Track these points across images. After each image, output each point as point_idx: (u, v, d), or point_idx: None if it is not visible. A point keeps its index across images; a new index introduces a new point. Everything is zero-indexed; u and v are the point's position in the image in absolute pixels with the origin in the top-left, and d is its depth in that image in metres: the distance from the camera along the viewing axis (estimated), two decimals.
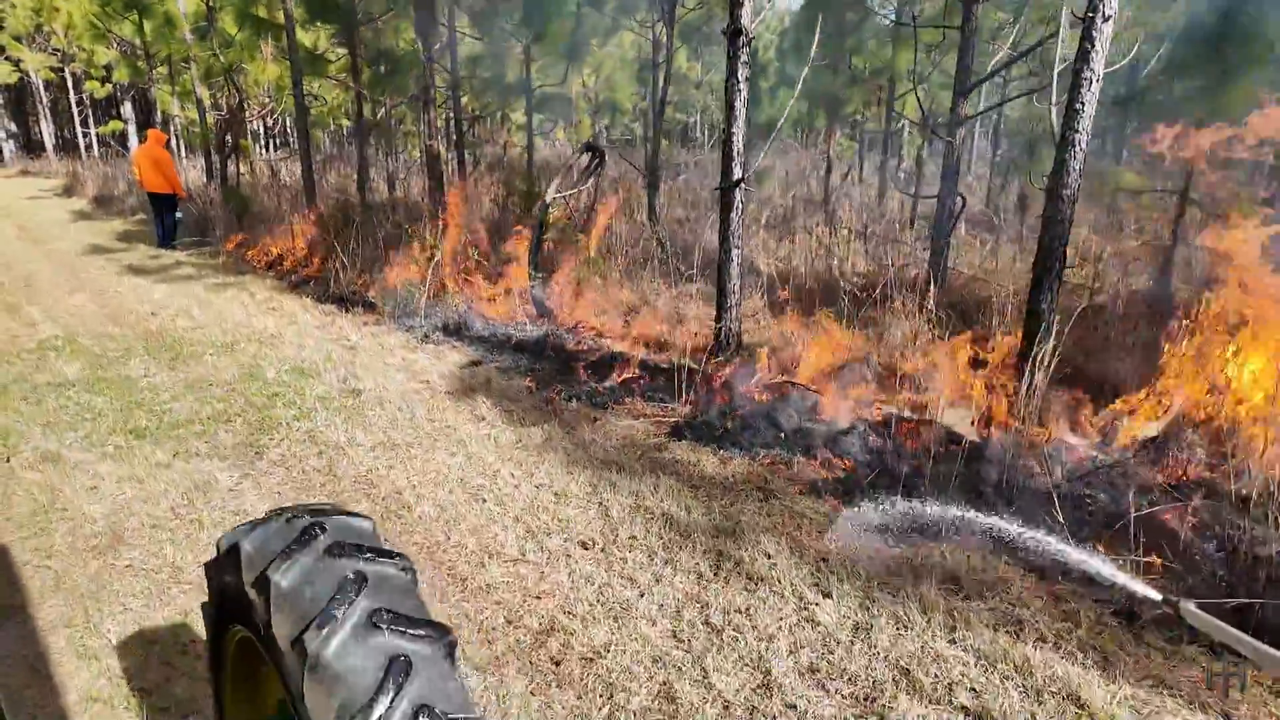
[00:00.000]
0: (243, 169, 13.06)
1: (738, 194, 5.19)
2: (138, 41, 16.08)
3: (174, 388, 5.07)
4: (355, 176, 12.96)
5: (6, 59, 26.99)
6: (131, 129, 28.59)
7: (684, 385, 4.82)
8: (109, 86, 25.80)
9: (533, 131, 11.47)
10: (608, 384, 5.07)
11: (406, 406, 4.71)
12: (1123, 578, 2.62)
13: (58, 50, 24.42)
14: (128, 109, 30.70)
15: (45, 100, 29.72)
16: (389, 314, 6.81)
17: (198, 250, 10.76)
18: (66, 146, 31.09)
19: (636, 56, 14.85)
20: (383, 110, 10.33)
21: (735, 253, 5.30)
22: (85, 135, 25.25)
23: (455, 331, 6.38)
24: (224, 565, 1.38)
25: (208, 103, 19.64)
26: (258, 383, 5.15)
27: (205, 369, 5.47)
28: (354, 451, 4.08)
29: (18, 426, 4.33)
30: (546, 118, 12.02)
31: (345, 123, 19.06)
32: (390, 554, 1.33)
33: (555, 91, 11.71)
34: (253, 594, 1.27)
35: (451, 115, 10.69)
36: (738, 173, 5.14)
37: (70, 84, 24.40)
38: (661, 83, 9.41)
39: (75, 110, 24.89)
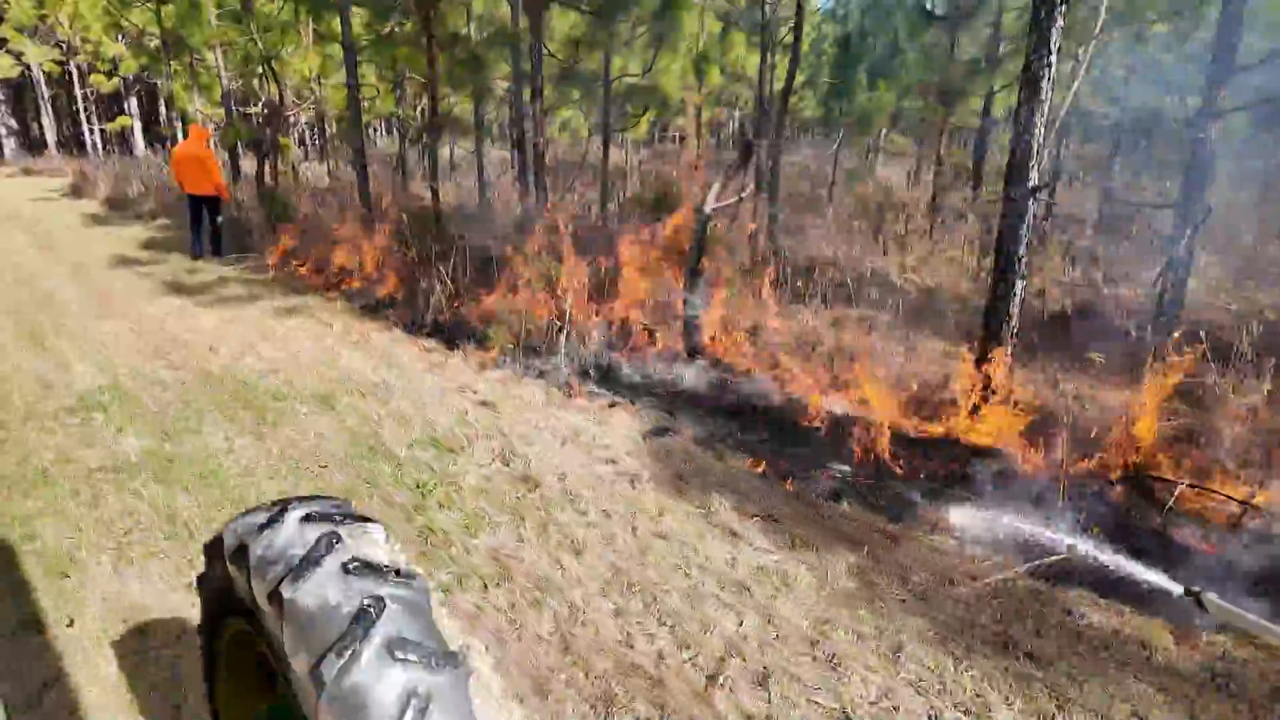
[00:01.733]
0: (282, 169, 11.70)
1: (1031, 204, 3.86)
2: (154, 30, 14.71)
3: (274, 470, 3.72)
4: (398, 179, 11.67)
5: (7, 52, 25.56)
6: (137, 125, 27.21)
7: (975, 471, 3.49)
8: (116, 80, 24.41)
9: (609, 129, 10.14)
10: (858, 467, 3.74)
11: (611, 508, 3.37)
12: (1141, 570, 2.34)
13: (63, 42, 23.01)
14: (133, 105, 29.32)
15: (46, 95, 28.29)
16: (509, 354, 5.46)
17: (239, 263, 9.39)
18: (68, 144, 29.66)
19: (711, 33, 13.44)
20: (451, 104, 8.97)
21: (1020, 283, 3.97)
22: (91, 132, 23.82)
23: (603, 377, 5.04)
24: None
25: (237, 96, 18.29)
26: (385, 462, 3.81)
27: (305, 437, 4.12)
28: (581, 598, 2.74)
29: (74, 551, 2.98)
30: (632, 112, 10.66)
31: (382, 117, 17.68)
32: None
33: (636, 82, 10.37)
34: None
35: (524, 110, 9.35)
36: (1034, 177, 3.81)
37: (76, 78, 22.95)
38: (787, 64, 8.06)
39: (81, 106, 23.46)
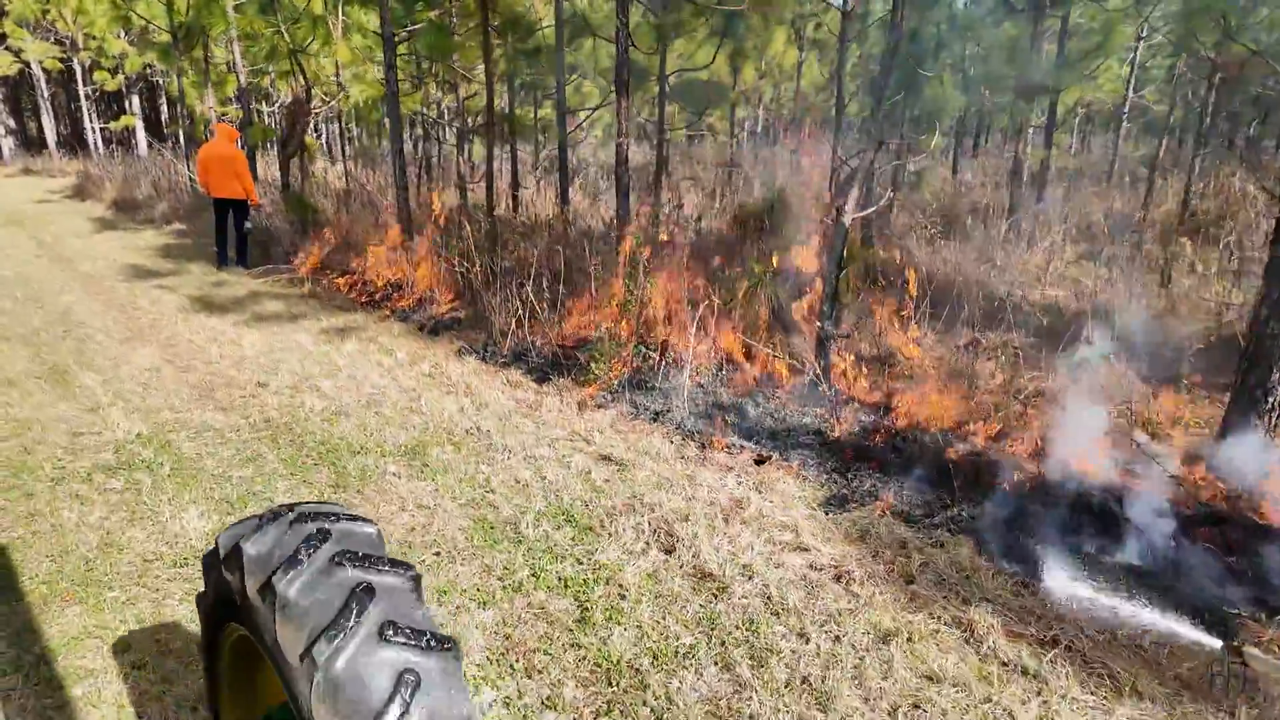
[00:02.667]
0: (311, 171, 10.89)
1: None
2: (161, 24, 13.91)
3: None
4: (433, 183, 10.92)
5: (6, 49, 24.71)
6: (139, 124, 26.36)
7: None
8: (120, 78, 23.57)
9: (664, 128, 9.34)
10: (1161, 569, 2.95)
11: (836, 628, 2.57)
12: (1184, 628, 2.41)
13: (65, 38, 22.17)
14: (134, 103, 28.49)
15: (46, 93, 27.45)
16: (613, 390, 4.68)
17: (268, 275, 8.59)
18: (67, 143, 28.82)
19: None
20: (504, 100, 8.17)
21: None
22: (94, 131, 22.98)
23: (737, 423, 4.26)
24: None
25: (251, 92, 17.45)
26: (512, 547, 3.03)
27: (401, 508, 3.34)
28: None
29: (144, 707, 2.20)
30: (689, 111, 9.85)
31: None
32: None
33: (694, 77, 9.58)
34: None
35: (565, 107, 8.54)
36: None
37: (80, 75, 22.12)
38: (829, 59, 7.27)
39: (85, 104, 22.63)
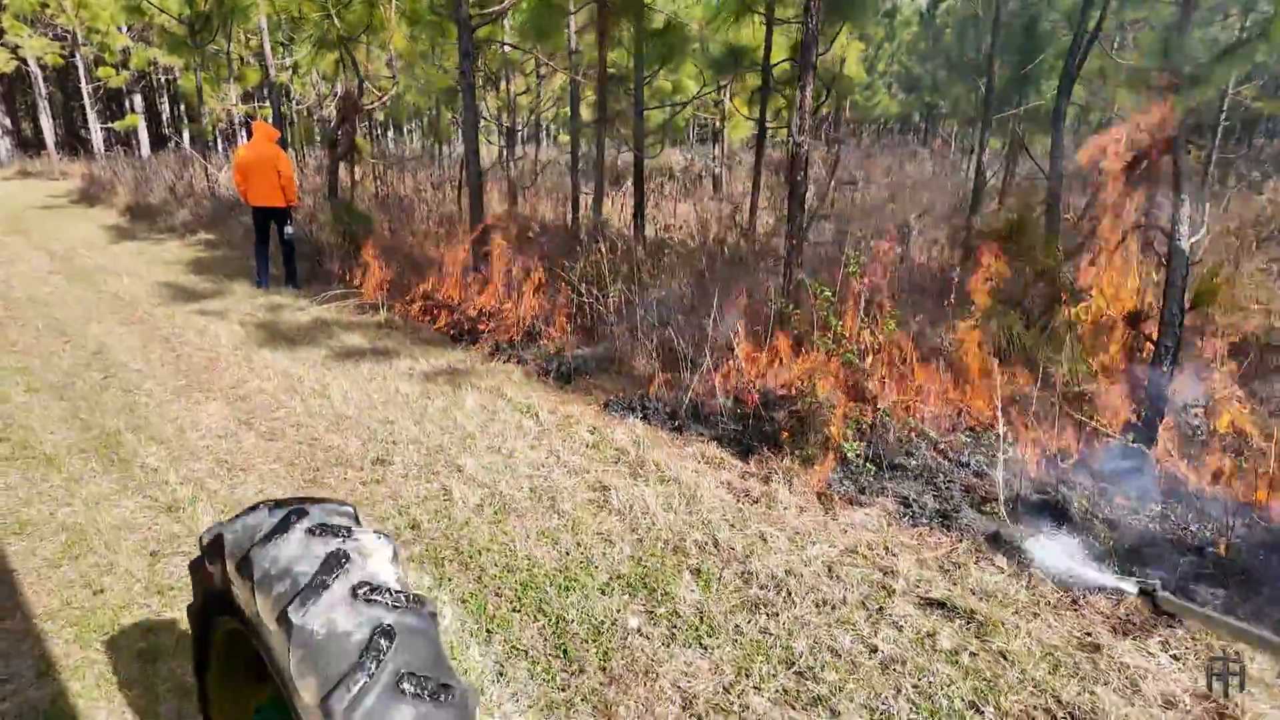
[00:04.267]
0: (359, 175, 9.69)
1: None
2: (179, 13, 12.69)
3: None
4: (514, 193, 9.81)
5: (3, 45, 23.42)
6: (142, 124, 25.09)
7: None
8: (125, 74, 22.31)
9: (839, 124, 8.19)
10: None
11: None
12: (1102, 576, 2.60)
13: (67, 32, 20.88)
14: (137, 102, 27.23)
15: (44, 92, 26.15)
16: (853, 472, 3.51)
17: (322, 297, 7.39)
18: (64, 144, 27.51)
19: None
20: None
21: None
22: (97, 131, 21.69)
23: (1053, 517, 3.10)
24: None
25: (297, 89, 16.17)
26: None
27: (656, 699, 2.18)
28: None
29: None
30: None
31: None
32: None
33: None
34: None
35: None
36: None
37: (81, 72, 20.85)
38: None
39: (87, 102, 21.35)
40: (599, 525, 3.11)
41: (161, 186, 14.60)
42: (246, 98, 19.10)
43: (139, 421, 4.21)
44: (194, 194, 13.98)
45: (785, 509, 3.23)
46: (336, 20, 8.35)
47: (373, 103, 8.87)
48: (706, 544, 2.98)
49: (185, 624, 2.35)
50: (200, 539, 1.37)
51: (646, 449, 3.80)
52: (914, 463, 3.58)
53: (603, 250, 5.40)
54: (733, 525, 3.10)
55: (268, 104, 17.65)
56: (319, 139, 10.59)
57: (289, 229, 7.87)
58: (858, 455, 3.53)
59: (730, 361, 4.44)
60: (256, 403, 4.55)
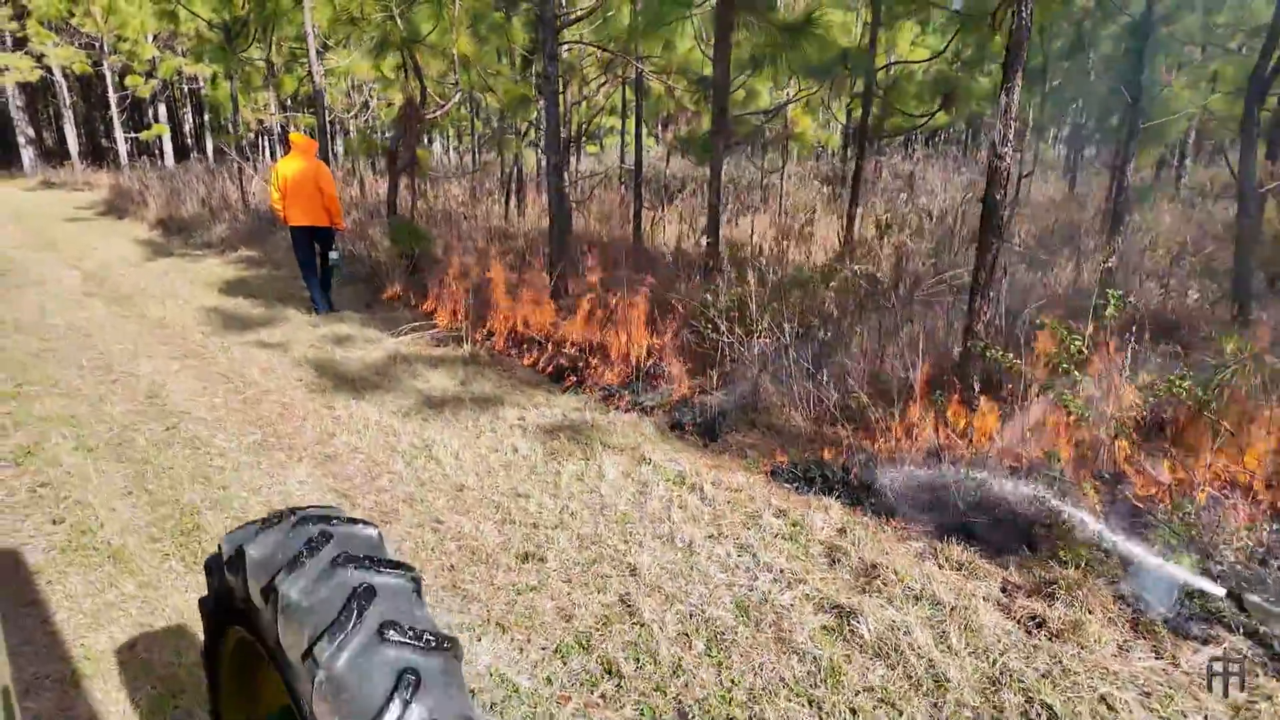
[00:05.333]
0: (424, 190, 8.98)
1: None
2: (217, 18, 12.09)
3: None
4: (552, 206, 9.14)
5: (27, 53, 23.05)
6: (166, 134, 24.67)
7: None
8: (153, 83, 21.85)
9: (867, 127, 7.39)
10: None
11: None
12: (1183, 573, 2.54)
13: (95, 40, 20.43)
14: (161, 112, 26.83)
15: (68, 101, 25.80)
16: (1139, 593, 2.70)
17: (386, 323, 6.65)
18: (88, 154, 27.13)
19: None
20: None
21: None
22: (124, 141, 21.21)
23: None
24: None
25: (339, 100, 15.54)
26: None
27: None
28: None
29: None
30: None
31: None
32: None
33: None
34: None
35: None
36: None
37: (109, 81, 20.39)
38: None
39: (114, 112, 20.89)
40: (862, 674, 2.32)
41: (193, 199, 14.00)
42: (284, 107, 18.54)
43: (216, 493, 3.46)
44: (229, 207, 13.37)
45: (1100, 645, 2.43)
46: (400, 22, 7.67)
47: (434, 111, 8.17)
48: (1035, 713, 2.17)
49: None
50: (219, 546, 1.33)
51: (863, 545, 3.01)
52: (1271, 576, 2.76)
53: (748, 281, 4.62)
54: (1046, 675, 2.30)
55: (303, 114, 17.08)
56: (378, 150, 9.91)
57: (334, 254, 7.15)
58: (1190, 563, 2.72)
59: (922, 419, 3.65)
60: (351, 466, 3.80)
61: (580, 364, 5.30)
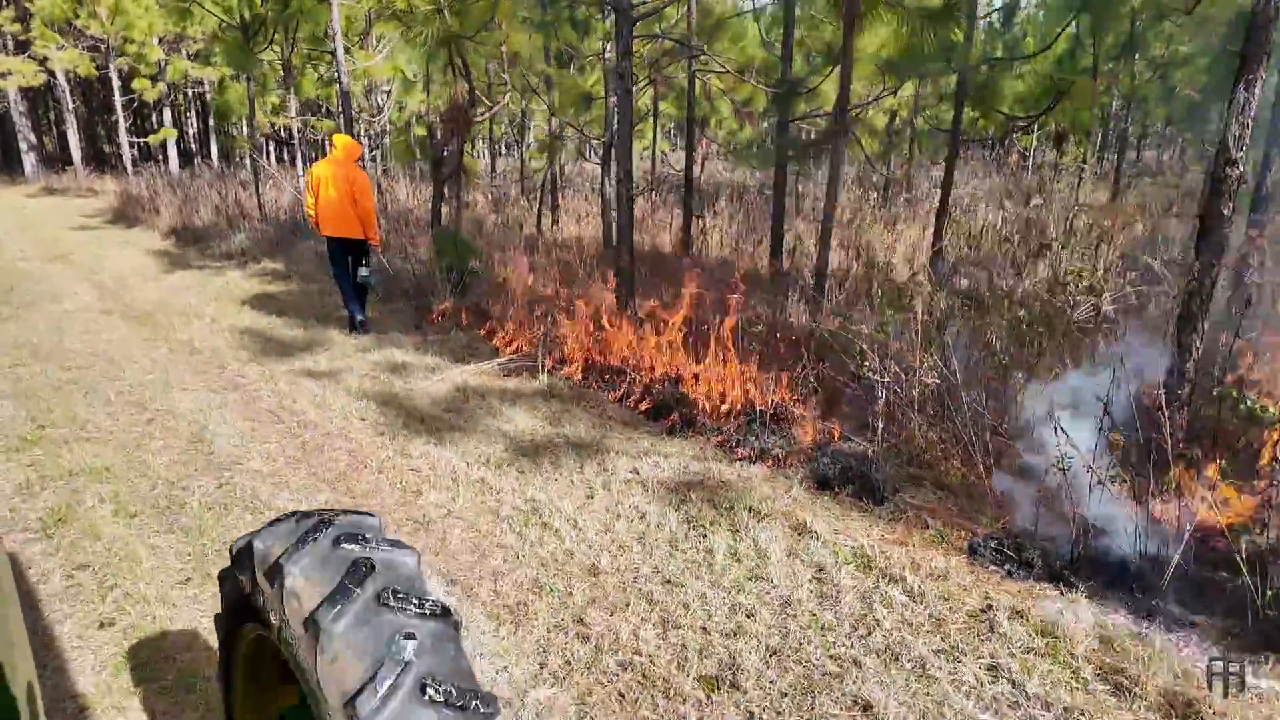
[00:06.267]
0: (470, 201, 8.33)
1: None
2: (232, 15, 11.46)
3: None
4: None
5: (30, 57, 22.40)
6: (170, 139, 24.03)
7: None
8: (160, 86, 21.23)
9: (960, 127, 6.75)
10: None
11: None
12: None
13: (100, 42, 19.81)
14: (167, 116, 26.23)
15: (71, 105, 25.16)
16: None
17: (442, 348, 5.99)
18: (89, 160, 26.46)
19: None
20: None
21: None
22: (125, 146, 20.56)
23: None
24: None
25: (361, 104, 14.88)
26: None
27: None
28: None
29: None
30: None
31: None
32: None
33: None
34: None
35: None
36: None
37: (116, 85, 19.77)
38: None
39: (120, 115, 20.26)
40: None
41: (206, 206, 13.34)
42: (317, 108, 17.90)
43: None
44: (245, 214, 12.71)
45: None
46: (449, 16, 7.03)
47: (483, 113, 7.52)
48: None
49: None
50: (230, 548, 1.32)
51: (1149, 665, 2.34)
52: None
53: (909, 305, 3.97)
54: None
55: (319, 119, 16.42)
56: (417, 157, 9.28)
57: (365, 270, 6.43)
58: None
59: (1169, 483, 2.99)
60: (450, 537, 3.13)
61: (677, 399, 4.64)
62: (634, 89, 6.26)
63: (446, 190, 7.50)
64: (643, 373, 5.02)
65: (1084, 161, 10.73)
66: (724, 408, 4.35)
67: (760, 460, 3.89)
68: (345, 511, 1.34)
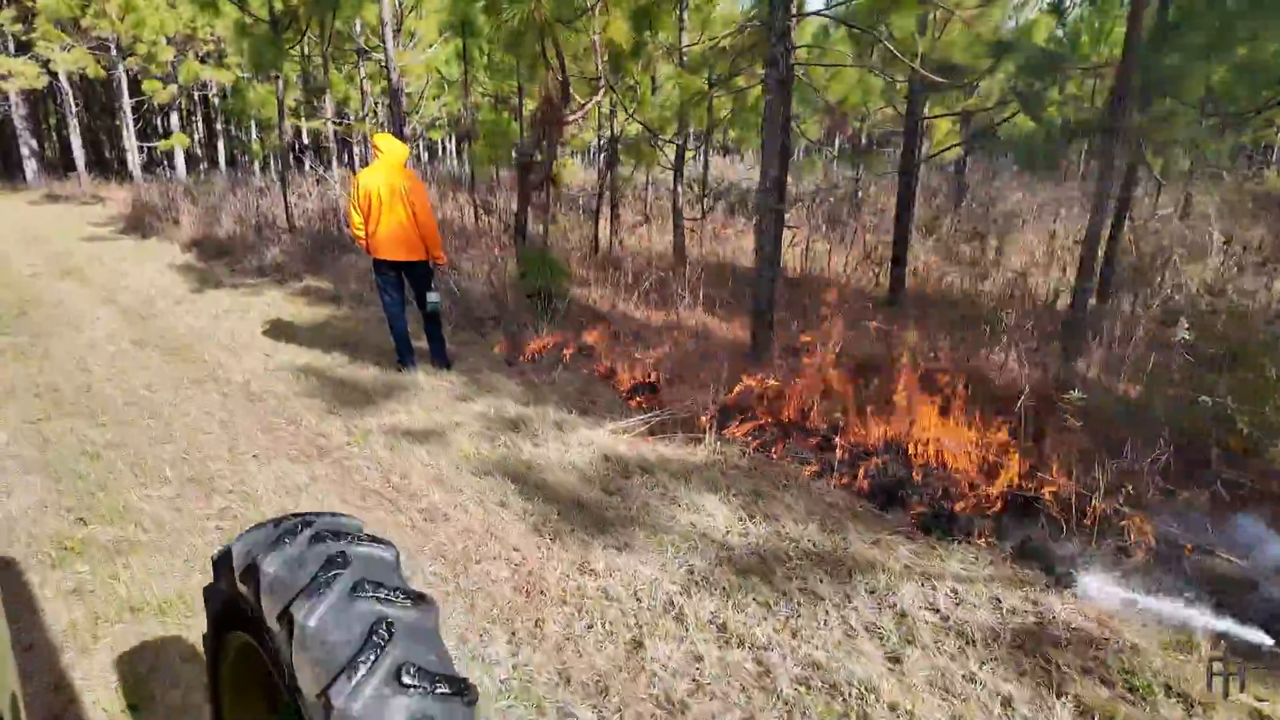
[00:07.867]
0: (556, 213, 7.27)
1: None
2: (264, 11, 10.41)
3: None
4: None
5: (33, 58, 21.30)
6: (178, 145, 22.94)
7: None
8: (171, 88, 20.17)
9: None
10: None
11: None
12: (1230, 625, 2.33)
13: (106, 42, 18.73)
14: (174, 120, 25.14)
15: (74, 109, 24.09)
16: None
17: (551, 387, 4.90)
18: (92, 166, 25.36)
19: None
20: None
21: None
22: (135, 151, 19.49)
23: None
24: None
25: (409, 101, 13.79)
26: None
27: None
28: None
29: None
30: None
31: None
32: None
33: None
34: None
35: None
36: None
37: (124, 87, 18.73)
38: None
39: (128, 120, 19.20)
40: None
41: (229, 216, 12.26)
42: (363, 112, 16.84)
43: None
44: (272, 224, 11.64)
45: None
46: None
47: (575, 112, 6.46)
48: None
49: None
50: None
51: None
52: None
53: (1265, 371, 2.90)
54: None
55: (357, 121, 15.32)
56: (503, 160, 8.24)
57: (434, 295, 5.20)
58: None
59: None
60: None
61: (905, 477, 3.56)
62: (789, 81, 5.19)
63: (534, 199, 6.42)
64: (837, 433, 3.94)
65: None
66: (990, 490, 3.27)
67: (1105, 580, 2.80)
68: (327, 514, 1.29)
